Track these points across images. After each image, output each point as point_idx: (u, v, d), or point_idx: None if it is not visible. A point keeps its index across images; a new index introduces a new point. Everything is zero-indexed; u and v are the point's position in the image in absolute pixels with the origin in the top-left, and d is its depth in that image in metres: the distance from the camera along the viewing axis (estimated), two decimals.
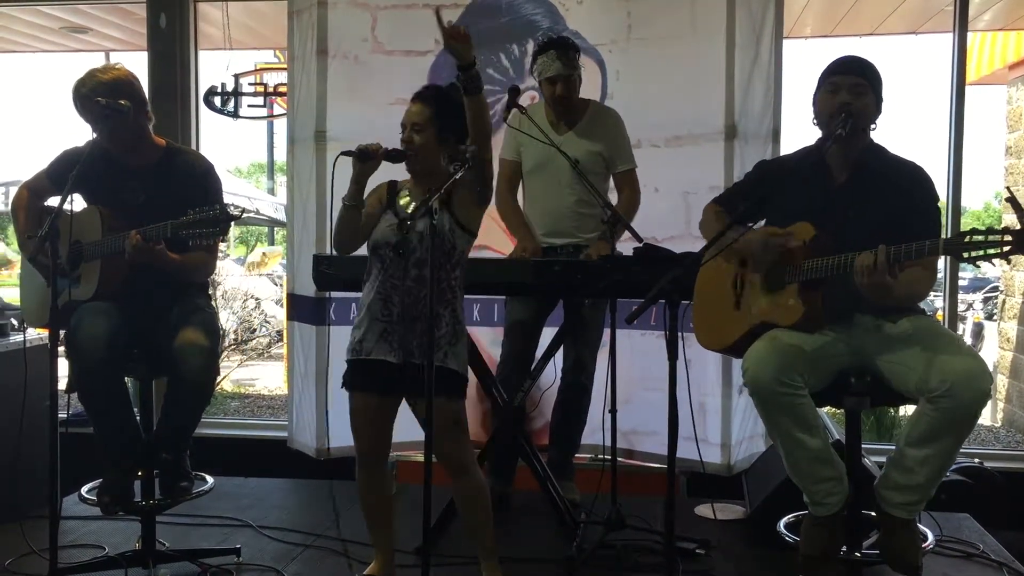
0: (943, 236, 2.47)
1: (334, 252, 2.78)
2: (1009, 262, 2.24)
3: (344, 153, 2.62)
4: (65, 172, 2.73)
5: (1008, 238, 2.15)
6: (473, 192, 2.65)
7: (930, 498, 2.54)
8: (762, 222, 2.79)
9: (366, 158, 2.59)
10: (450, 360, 2.61)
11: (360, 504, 2.81)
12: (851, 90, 2.57)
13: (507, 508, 3.60)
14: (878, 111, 2.64)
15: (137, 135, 2.91)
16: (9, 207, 3.15)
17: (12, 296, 4.25)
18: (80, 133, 2.87)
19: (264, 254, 11.59)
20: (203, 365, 2.77)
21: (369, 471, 2.77)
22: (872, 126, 2.59)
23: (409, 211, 2.61)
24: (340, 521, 3.59)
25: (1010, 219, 2.19)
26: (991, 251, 2.18)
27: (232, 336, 8.99)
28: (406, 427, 2.83)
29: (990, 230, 2.19)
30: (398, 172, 2.76)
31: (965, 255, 2.22)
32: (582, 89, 3.68)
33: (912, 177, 2.62)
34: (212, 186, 2.97)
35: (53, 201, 2.74)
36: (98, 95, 2.78)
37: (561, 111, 3.56)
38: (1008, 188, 2.29)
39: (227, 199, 2.88)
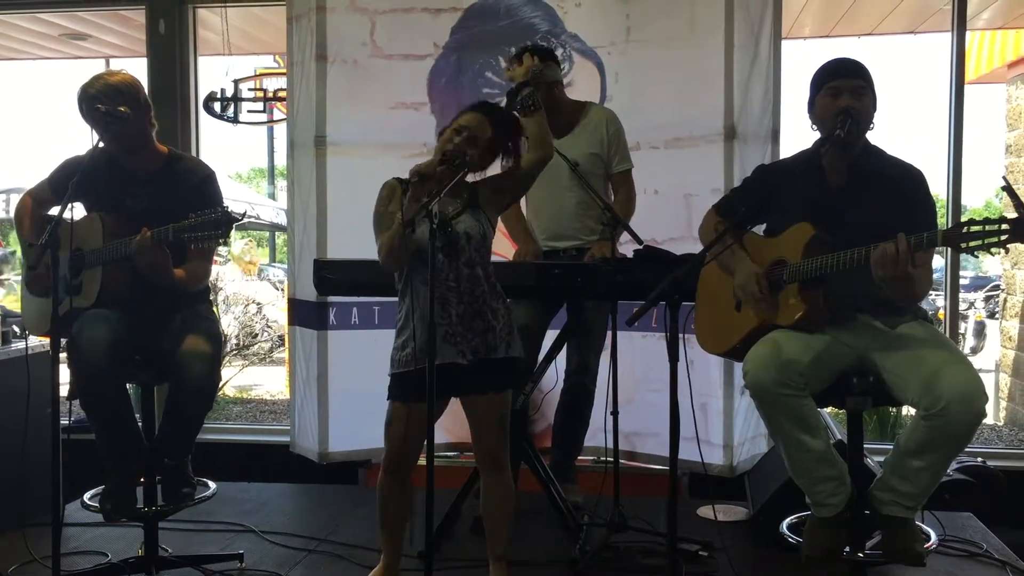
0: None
1: (385, 267, 2.66)
2: (1007, 251, 2.25)
3: (403, 180, 2.62)
4: (66, 181, 2.73)
5: (1005, 227, 2.17)
6: (504, 199, 2.76)
7: (923, 504, 2.55)
8: (763, 226, 2.79)
9: (427, 179, 2.57)
10: (512, 349, 2.69)
11: (378, 508, 2.78)
12: (852, 93, 2.57)
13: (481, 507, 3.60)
14: (875, 111, 2.65)
15: (139, 141, 2.92)
16: (12, 214, 3.15)
17: (13, 301, 4.25)
18: (81, 140, 2.88)
19: (249, 259, 11.54)
20: (205, 372, 2.77)
21: (396, 477, 2.75)
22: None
23: (448, 214, 2.61)
24: (343, 525, 3.59)
25: (1011, 214, 2.21)
26: (989, 240, 2.19)
27: (234, 341, 8.99)
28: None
29: (987, 220, 2.20)
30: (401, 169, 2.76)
31: (963, 245, 2.23)
32: (581, 92, 3.67)
33: (909, 179, 2.62)
34: (213, 192, 2.97)
35: (55, 211, 2.74)
36: (104, 97, 2.79)
37: (548, 114, 3.51)
38: (1005, 179, 2.30)
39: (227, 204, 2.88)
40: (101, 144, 2.75)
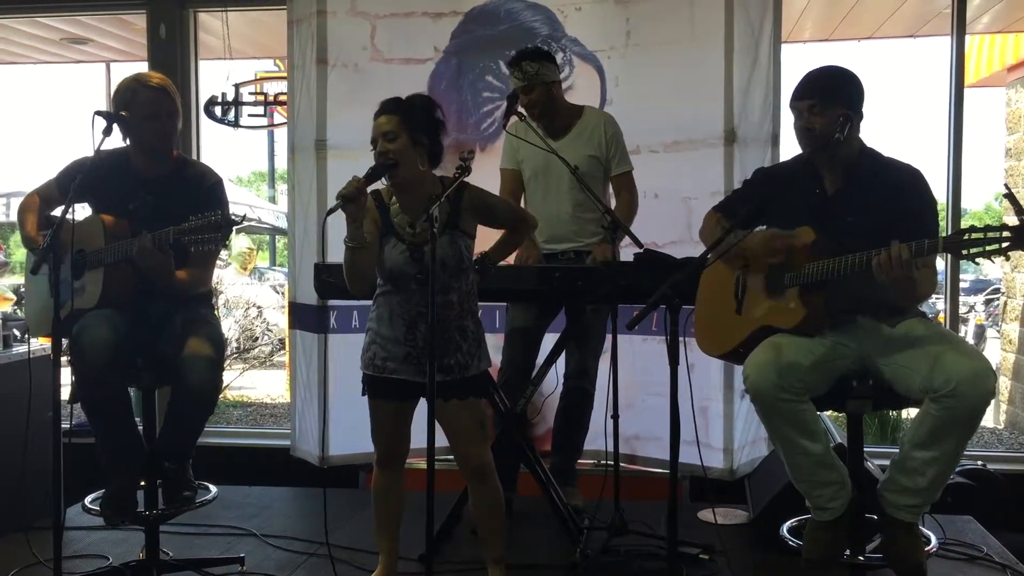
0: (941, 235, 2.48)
1: (352, 292, 2.70)
2: (1008, 258, 2.27)
3: (330, 211, 2.54)
4: (73, 181, 2.74)
5: (1006, 234, 2.17)
6: (484, 222, 2.74)
7: (935, 500, 2.54)
8: (762, 228, 2.80)
9: (352, 200, 2.51)
10: (483, 363, 2.70)
11: (372, 507, 2.82)
12: (809, 111, 2.60)
13: (510, 514, 3.58)
14: (856, 115, 2.63)
15: (147, 145, 2.92)
16: (16, 214, 3.16)
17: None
18: (80, 144, 2.89)
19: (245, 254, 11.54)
20: (208, 377, 2.77)
21: (386, 475, 2.80)
22: (839, 134, 2.56)
23: (416, 230, 2.61)
24: (343, 529, 3.59)
25: (1011, 220, 2.21)
26: (990, 247, 2.20)
27: (234, 344, 9.00)
28: (414, 435, 2.83)
29: (988, 227, 2.21)
30: None
31: (964, 252, 2.24)
32: (581, 96, 3.68)
33: (908, 180, 2.62)
34: (220, 199, 2.98)
35: (60, 211, 2.75)
36: (115, 96, 2.84)
37: (544, 121, 3.53)
38: (1007, 186, 2.31)
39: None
40: (104, 146, 2.75)
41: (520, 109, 3.37)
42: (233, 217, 2.64)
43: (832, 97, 2.60)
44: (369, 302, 2.77)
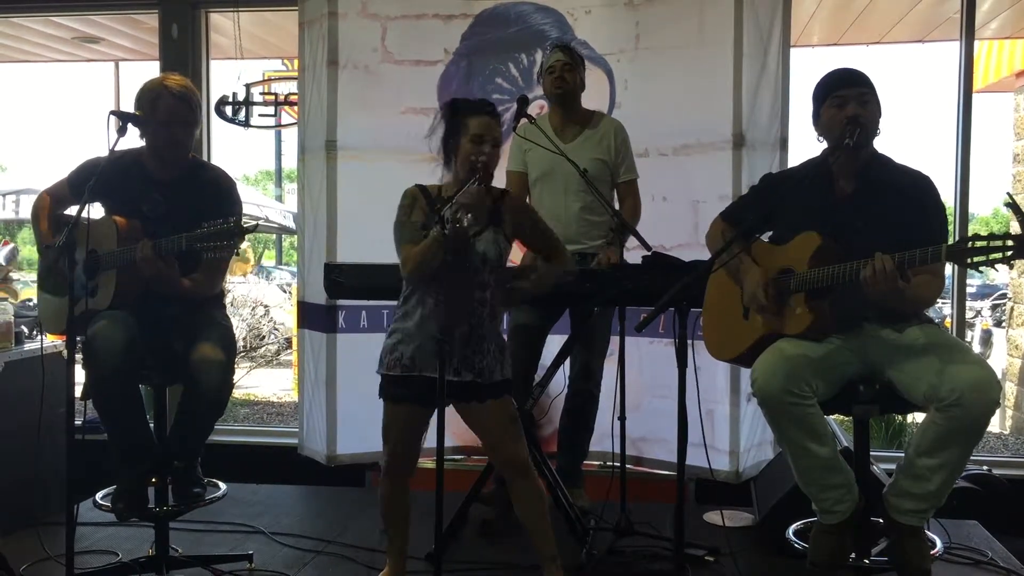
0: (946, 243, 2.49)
1: (410, 279, 2.66)
2: (1011, 267, 2.27)
3: (424, 188, 2.61)
4: (86, 181, 2.75)
5: (1009, 243, 2.18)
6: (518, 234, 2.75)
7: (940, 505, 2.55)
8: (768, 234, 2.81)
9: (471, 209, 2.51)
10: (507, 370, 2.70)
11: (381, 509, 2.82)
12: (858, 101, 2.60)
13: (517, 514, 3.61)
14: (880, 117, 2.67)
15: (159, 148, 2.94)
16: (28, 214, 3.18)
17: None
18: (91, 143, 2.92)
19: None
20: (219, 380, 2.79)
21: (397, 477, 2.78)
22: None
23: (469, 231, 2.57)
24: (350, 527, 3.61)
25: (1016, 228, 2.22)
26: (993, 256, 2.20)
27: (241, 343, 9.03)
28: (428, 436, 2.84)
29: (991, 236, 2.21)
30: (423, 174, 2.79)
31: (968, 261, 2.24)
32: (590, 99, 3.70)
33: (918, 186, 2.64)
34: (234, 203, 3.00)
35: (73, 210, 2.77)
36: (161, 100, 2.87)
37: (564, 108, 3.56)
38: (1009, 194, 2.31)
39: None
40: (118, 146, 2.77)
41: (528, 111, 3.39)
42: (246, 225, 2.65)
43: (875, 94, 2.64)
44: (377, 303, 2.78)
